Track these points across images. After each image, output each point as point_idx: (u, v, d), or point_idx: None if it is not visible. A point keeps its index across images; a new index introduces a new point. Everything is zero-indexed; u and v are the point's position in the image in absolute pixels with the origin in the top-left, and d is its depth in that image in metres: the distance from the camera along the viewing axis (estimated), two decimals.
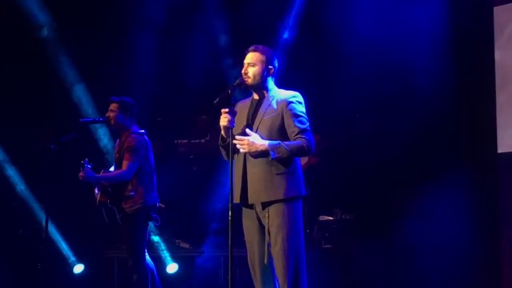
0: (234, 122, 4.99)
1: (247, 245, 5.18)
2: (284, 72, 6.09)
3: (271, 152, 4.89)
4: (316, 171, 8.68)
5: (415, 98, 7.98)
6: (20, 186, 8.92)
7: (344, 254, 8.21)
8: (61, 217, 8.49)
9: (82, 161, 6.48)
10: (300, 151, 4.97)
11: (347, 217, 8.54)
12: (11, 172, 8.90)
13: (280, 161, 4.96)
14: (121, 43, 8.95)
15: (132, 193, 6.64)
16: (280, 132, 5.02)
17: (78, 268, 9.00)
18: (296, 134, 4.99)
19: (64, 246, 8.96)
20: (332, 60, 8.45)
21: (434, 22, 7.91)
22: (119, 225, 6.79)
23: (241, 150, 4.96)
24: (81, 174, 6.48)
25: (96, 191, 6.74)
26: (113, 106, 6.85)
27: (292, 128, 5.02)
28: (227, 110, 4.96)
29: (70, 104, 8.86)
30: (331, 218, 8.59)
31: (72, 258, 8.97)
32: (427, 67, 7.87)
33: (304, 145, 4.96)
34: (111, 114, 6.84)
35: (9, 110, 8.88)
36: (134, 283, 6.74)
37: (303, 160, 5.55)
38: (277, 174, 4.98)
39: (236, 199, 5.05)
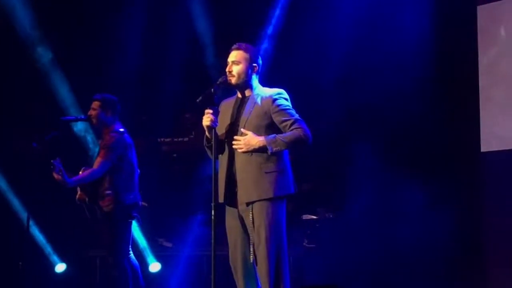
0: (217, 121, 4.98)
1: (230, 244, 5.16)
2: (267, 69, 6.07)
3: (268, 147, 4.88)
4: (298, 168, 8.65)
5: (398, 95, 7.97)
6: (1, 185, 8.84)
7: (327, 253, 8.21)
8: (43, 216, 8.45)
9: (52, 161, 6.40)
10: (298, 141, 4.95)
11: (331, 216, 8.54)
12: None
13: (270, 159, 4.94)
14: (103, 41, 8.91)
15: (109, 191, 6.60)
16: (267, 131, 5.00)
17: (60, 267, 8.95)
18: (290, 126, 4.97)
19: (46, 245, 8.91)
20: (312, 59, 8.43)
21: (417, 21, 7.92)
22: (100, 223, 6.77)
23: (239, 150, 4.95)
24: (57, 177, 6.41)
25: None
26: (95, 104, 6.80)
27: (284, 122, 5.00)
28: (210, 110, 4.95)
29: (52, 102, 8.79)
30: (314, 217, 8.58)
31: (54, 257, 8.92)
32: (409, 64, 7.88)
33: (301, 134, 4.94)
34: (93, 113, 6.78)
35: None
36: (116, 282, 6.72)
37: None
38: (267, 172, 4.96)
39: (220, 198, 5.04)
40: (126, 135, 6.79)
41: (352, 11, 8.10)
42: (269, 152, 4.89)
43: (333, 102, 8.42)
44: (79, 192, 6.71)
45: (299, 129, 4.96)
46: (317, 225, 8.51)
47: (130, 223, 6.74)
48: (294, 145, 4.97)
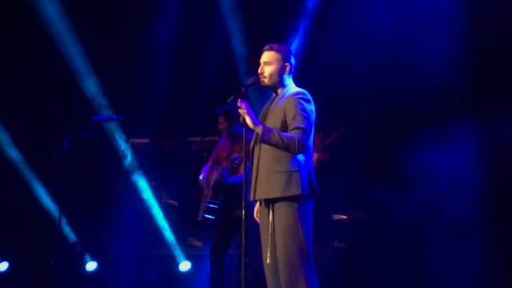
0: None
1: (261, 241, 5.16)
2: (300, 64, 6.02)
3: (262, 133, 4.87)
4: (328, 168, 8.62)
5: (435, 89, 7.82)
6: (34, 184, 8.94)
7: (357, 253, 8.19)
8: (74, 214, 8.52)
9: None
10: (290, 146, 4.88)
11: (361, 216, 8.53)
12: (26, 170, 8.92)
13: (282, 160, 4.93)
14: (136, 40, 8.94)
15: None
16: (281, 129, 4.97)
17: (91, 266, 9.02)
18: (292, 130, 4.95)
19: (77, 244, 8.98)
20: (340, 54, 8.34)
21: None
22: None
23: (239, 111, 4.94)
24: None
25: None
26: (220, 119, 7.00)
27: (290, 125, 4.97)
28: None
29: (85, 102, 8.85)
30: (344, 217, 8.57)
31: (85, 255, 8.99)
32: (437, 41, 7.74)
33: (297, 142, 4.88)
34: (222, 127, 6.99)
35: (24, 109, 8.91)
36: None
37: (314, 157, 5.52)
38: (276, 172, 4.94)
39: (251, 196, 5.05)
40: None
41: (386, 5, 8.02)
42: (260, 137, 4.89)
43: (369, 98, 8.32)
44: (210, 192, 6.85)
45: (297, 136, 4.90)
46: (348, 225, 8.50)
47: None
48: (286, 145, 4.90)
